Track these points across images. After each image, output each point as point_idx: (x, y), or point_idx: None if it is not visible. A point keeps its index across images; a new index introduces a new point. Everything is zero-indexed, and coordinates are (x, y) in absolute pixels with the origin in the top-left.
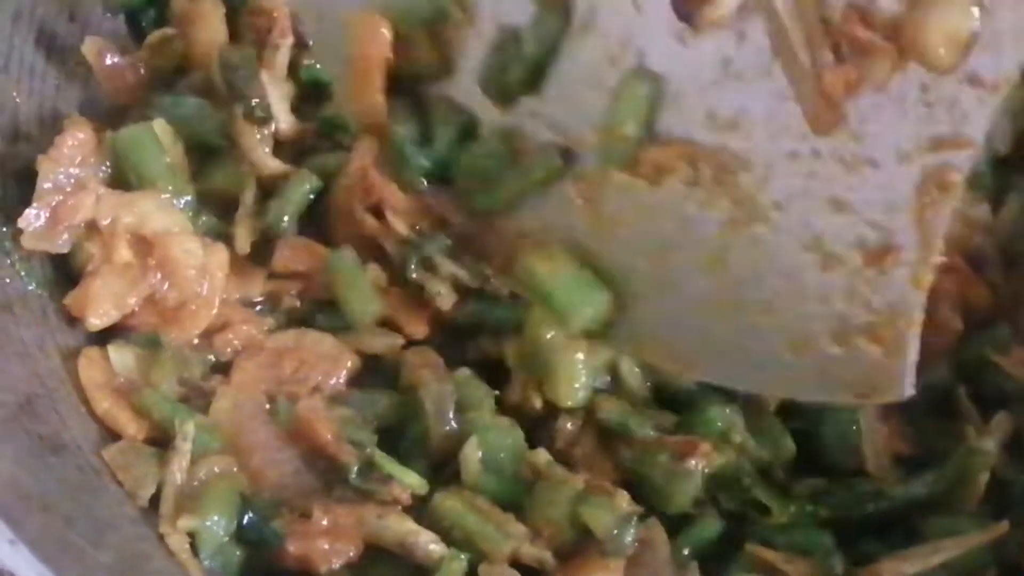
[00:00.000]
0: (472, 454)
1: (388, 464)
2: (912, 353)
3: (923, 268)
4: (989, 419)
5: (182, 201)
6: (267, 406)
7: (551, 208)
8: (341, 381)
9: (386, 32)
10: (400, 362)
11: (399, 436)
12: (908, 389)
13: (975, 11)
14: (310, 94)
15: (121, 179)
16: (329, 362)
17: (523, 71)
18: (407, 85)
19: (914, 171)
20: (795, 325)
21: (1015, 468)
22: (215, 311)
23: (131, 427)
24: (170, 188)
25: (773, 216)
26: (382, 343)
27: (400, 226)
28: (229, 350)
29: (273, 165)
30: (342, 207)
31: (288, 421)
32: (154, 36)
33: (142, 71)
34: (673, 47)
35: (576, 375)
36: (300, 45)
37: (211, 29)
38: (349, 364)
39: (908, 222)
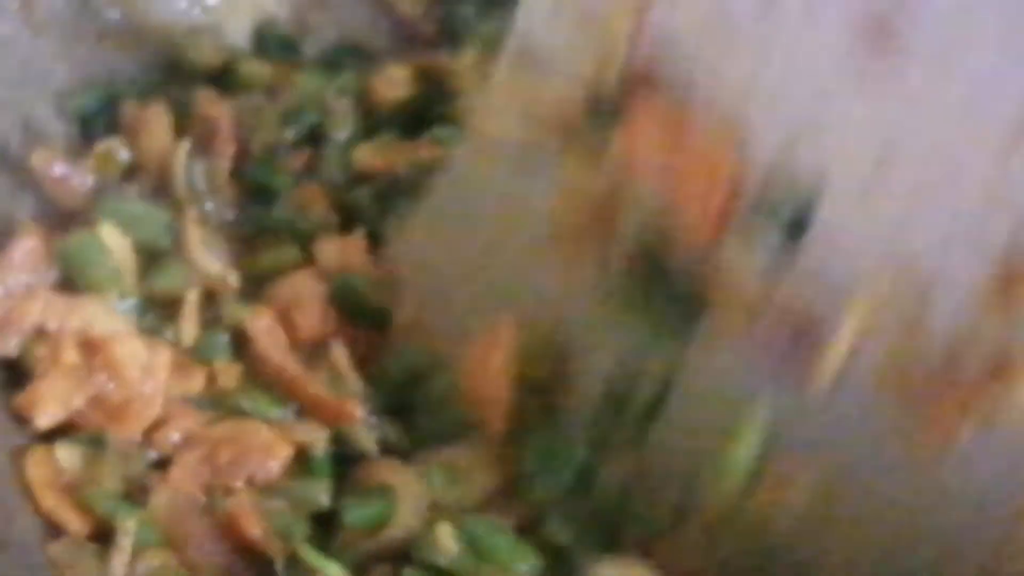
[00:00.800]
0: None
1: (311, 556)
2: None
3: None
4: None
5: (127, 303)
6: (203, 499)
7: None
8: (275, 471)
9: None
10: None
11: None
12: None
13: None
14: (254, 196)
15: (69, 283)
16: (263, 452)
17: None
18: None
19: (1001, 524)
20: None
21: None
22: (158, 409)
23: (75, 524)
24: (115, 292)
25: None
26: (309, 433)
27: None
28: (169, 445)
29: (216, 269)
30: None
31: (219, 516)
32: (101, 146)
33: (90, 179)
34: (781, 391)
35: None
36: (242, 151)
37: (159, 137)
38: (282, 454)
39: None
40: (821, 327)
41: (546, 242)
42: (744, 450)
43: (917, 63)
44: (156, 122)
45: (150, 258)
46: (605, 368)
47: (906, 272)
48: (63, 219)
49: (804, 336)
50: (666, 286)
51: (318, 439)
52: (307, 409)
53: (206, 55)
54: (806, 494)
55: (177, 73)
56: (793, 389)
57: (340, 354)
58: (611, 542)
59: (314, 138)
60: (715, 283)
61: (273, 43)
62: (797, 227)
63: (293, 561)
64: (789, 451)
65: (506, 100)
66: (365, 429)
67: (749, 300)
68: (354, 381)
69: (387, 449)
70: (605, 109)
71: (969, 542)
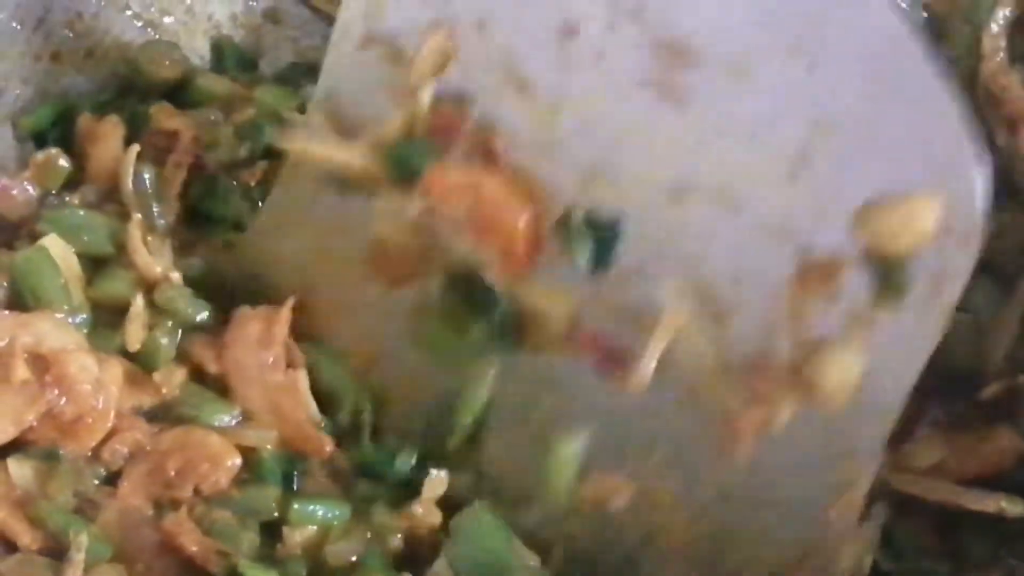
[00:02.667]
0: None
1: (250, 570)
2: None
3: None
4: None
5: (77, 318)
6: (151, 512)
7: None
8: (223, 481)
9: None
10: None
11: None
12: None
13: (862, 358)
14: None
15: (18, 299)
16: (211, 462)
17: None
18: None
19: (819, 495)
20: None
21: None
22: (111, 424)
23: (26, 538)
24: (65, 307)
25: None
26: (257, 438)
27: None
28: (118, 458)
29: (159, 270)
30: None
31: (163, 531)
32: (40, 156)
33: (31, 190)
34: (600, 395)
35: None
36: (196, 165)
37: (110, 148)
38: (230, 464)
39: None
40: (634, 342)
41: (367, 263)
42: (567, 454)
43: (707, 90)
44: (110, 133)
45: (95, 265)
46: (430, 387)
47: (709, 287)
48: (7, 230)
49: (619, 351)
50: (483, 309)
51: (266, 441)
52: (253, 413)
53: (162, 69)
54: (630, 487)
55: (132, 90)
56: (612, 396)
57: (303, 383)
58: None
59: (269, 153)
60: (530, 307)
61: (231, 59)
62: (603, 256)
63: (235, 574)
64: (611, 451)
65: (320, 135)
66: None
67: (565, 321)
68: (314, 410)
69: None
70: (411, 155)
71: (791, 517)
